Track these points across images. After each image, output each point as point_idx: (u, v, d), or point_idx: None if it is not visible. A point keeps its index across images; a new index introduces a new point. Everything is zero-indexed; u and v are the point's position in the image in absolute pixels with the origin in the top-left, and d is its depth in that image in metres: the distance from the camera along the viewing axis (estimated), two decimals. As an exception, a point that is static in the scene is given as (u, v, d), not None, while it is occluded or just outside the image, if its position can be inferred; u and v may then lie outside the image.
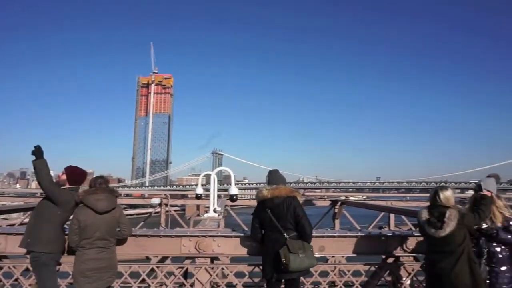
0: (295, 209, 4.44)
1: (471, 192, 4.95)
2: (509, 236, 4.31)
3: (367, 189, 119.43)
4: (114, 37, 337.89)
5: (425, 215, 4.22)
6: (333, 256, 6.34)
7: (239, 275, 5.41)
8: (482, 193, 4.45)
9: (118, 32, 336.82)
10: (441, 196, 4.16)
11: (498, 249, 4.32)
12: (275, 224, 4.39)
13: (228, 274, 5.31)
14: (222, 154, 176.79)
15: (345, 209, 17.25)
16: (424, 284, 4.69)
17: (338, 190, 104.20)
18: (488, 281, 4.27)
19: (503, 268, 4.28)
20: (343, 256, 5.80)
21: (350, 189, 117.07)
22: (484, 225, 4.35)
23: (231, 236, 5.22)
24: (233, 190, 7.77)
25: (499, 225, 4.32)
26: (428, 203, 4.38)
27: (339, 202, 16.35)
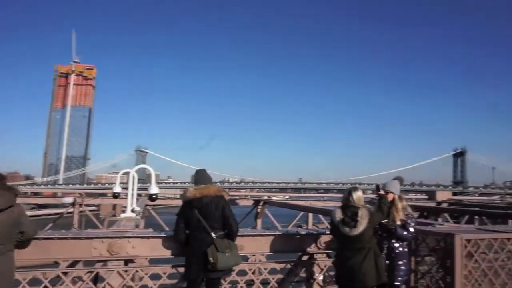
0: (223, 209, 4.46)
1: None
2: (405, 233, 4.78)
3: (290, 190, 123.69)
4: (34, 23, 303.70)
5: (339, 215, 4.46)
6: (253, 255, 6.45)
7: (156, 277, 5.22)
8: (379, 193, 4.86)
9: (39, 18, 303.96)
10: (354, 196, 4.46)
11: (396, 245, 4.76)
12: (203, 224, 4.35)
13: (143, 277, 5.09)
14: (146, 152, 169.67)
15: (268, 209, 17.74)
16: (334, 279, 4.97)
17: (262, 190, 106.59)
18: (386, 274, 4.67)
19: (400, 262, 4.73)
20: (263, 255, 5.93)
21: (274, 189, 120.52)
22: (385, 221, 4.77)
23: (148, 237, 5.01)
24: (153, 189, 7.52)
25: (398, 223, 4.76)
26: (341, 203, 4.66)
27: (262, 202, 16.77)
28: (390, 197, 4.88)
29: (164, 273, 5.18)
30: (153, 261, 5.58)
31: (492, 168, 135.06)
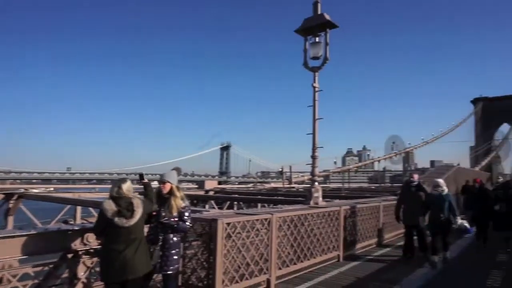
0: None
1: (156, 182, 5.36)
2: (185, 225, 4.94)
3: (56, 180, 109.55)
4: None
5: (112, 206, 4.21)
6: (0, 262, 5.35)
7: None
8: (143, 181, 4.87)
9: None
10: (124, 187, 4.30)
11: (171, 235, 4.88)
12: None
13: None
14: None
15: (24, 204, 15.14)
16: (101, 276, 4.67)
17: (19, 181, 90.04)
18: (159, 264, 4.74)
19: (173, 251, 4.85)
20: (14, 260, 4.97)
21: (35, 180, 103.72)
22: (165, 219, 4.81)
23: None
24: None
25: (175, 214, 4.90)
26: (110, 195, 4.40)
27: (16, 196, 14.19)
28: (167, 187, 4.93)
29: None
30: None
31: (249, 160, 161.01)
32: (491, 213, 10.77)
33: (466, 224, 8.55)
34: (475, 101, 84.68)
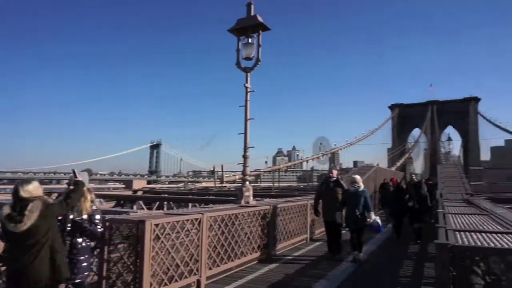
0: None
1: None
2: (95, 227, 4.66)
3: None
4: None
5: (6, 210, 3.83)
6: None
7: None
8: (76, 179, 4.51)
9: None
10: (21, 191, 3.92)
11: (79, 240, 4.54)
12: None
13: None
14: None
15: None
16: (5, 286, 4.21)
17: None
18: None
19: (82, 257, 4.53)
20: None
21: None
22: (76, 218, 4.49)
23: None
24: None
25: (85, 216, 4.60)
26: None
27: None
28: None
29: None
30: None
31: (180, 160, 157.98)
32: (406, 209, 11.95)
33: (379, 221, 9.05)
34: (392, 107, 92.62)
